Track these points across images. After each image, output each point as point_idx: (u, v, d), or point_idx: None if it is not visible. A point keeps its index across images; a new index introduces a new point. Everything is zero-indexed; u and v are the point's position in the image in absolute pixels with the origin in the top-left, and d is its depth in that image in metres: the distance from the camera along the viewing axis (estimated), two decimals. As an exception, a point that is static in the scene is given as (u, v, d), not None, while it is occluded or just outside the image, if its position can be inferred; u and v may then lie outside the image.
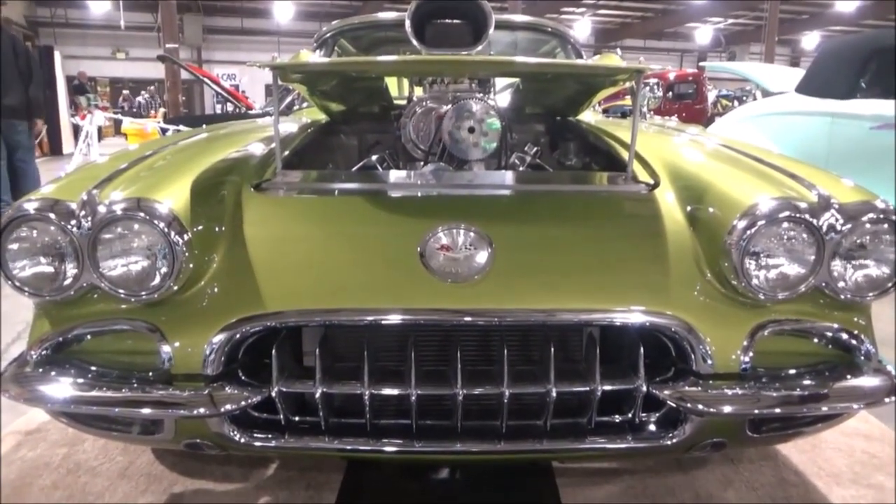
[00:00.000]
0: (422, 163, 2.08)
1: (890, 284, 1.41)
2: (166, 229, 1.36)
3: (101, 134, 13.27)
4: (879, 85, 4.31)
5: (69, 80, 15.38)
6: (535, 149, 2.32)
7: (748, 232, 1.38)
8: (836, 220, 1.39)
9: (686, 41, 29.05)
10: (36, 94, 5.26)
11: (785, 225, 1.40)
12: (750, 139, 4.85)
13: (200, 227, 1.45)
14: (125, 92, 21.93)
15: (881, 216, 1.39)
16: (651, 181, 1.70)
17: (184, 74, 14.60)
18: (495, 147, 1.96)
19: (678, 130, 2.35)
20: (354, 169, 2.19)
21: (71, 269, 1.38)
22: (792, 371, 1.45)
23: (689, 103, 13.44)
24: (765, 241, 1.41)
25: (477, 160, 1.99)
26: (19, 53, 5.06)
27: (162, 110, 16.67)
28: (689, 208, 1.57)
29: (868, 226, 1.39)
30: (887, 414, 2.20)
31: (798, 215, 1.38)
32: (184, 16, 20.36)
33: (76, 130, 11.26)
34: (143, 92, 21.42)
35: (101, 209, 1.37)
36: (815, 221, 1.38)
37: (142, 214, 1.36)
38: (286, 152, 1.97)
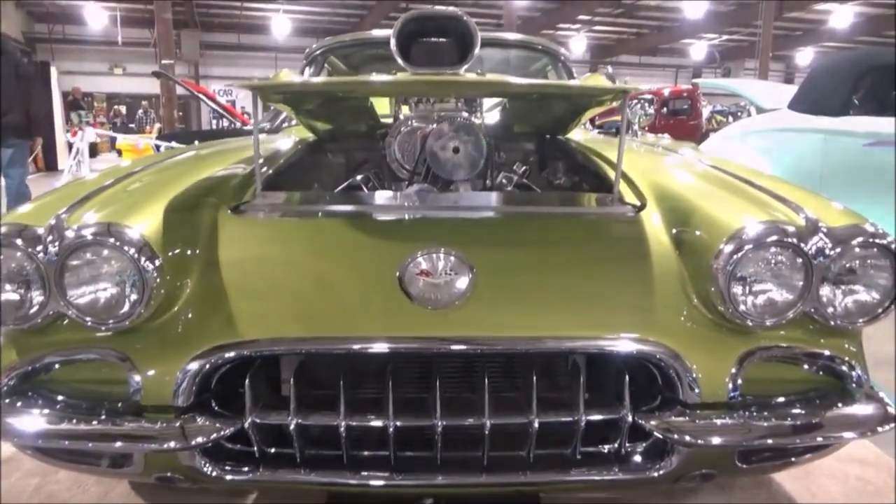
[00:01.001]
0: (406, 182, 2.05)
1: (880, 310, 1.38)
2: (136, 255, 1.32)
3: (96, 149, 13.27)
4: (872, 102, 4.30)
5: (64, 95, 15.40)
6: (524, 168, 2.29)
7: (735, 256, 1.35)
8: (825, 244, 1.35)
9: (681, 57, 29.23)
10: (37, 114, 5.28)
11: (772, 249, 1.36)
12: (743, 156, 4.83)
13: (174, 252, 1.41)
14: (116, 107, 21.94)
15: (870, 240, 1.36)
16: (638, 202, 1.66)
17: (180, 90, 14.61)
18: (481, 167, 1.94)
19: (668, 150, 2.32)
20: (339, 189, 2.16)
21: (37, 297, 1.34)
22: (782, 399, 1.41)
23: (684, 119, 13.48)
24: (752, 266, 1.37)
25: (462, 180, 1.96)
26: (21, 74, 5.08)
27: (157, 125, 16.67)
28: (674, 230, 1.54)
29: (857, 250, 1.36)
30: (883, 439, 2.15)
31: (786, 239, 1.35)
32: (181, 32, 20.42)
33: (72, 146, 11.24)
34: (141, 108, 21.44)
35: (69, 234, 1.33)
36: (803, 246, 1.35)
37: (111, 240, 1.32)
38: (270, 171, 1.95)
